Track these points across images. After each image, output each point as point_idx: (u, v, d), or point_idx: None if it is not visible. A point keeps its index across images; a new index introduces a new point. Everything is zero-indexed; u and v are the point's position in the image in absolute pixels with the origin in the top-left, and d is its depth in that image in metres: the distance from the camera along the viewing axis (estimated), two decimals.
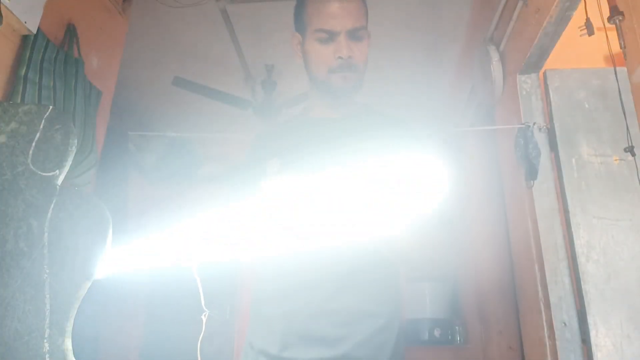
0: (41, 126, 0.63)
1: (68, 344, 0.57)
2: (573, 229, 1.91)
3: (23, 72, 1.57)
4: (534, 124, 2.05)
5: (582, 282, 1.84)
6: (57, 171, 0.61)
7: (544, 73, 2.13)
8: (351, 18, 1.05)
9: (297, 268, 0.99)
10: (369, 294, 0.98)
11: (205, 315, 1.12)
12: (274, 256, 1.03)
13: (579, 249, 1.88)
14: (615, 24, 1.43)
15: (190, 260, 1.18)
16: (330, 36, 1.07)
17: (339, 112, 1.18)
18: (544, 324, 1.91)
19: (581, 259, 1.87)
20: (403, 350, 0.99)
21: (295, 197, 0.72)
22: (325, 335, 0.94)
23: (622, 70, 1.63)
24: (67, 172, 0.63)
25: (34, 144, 0.62)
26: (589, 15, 1.71)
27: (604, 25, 1.54)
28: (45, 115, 0.63)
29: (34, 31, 1.59)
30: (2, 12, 1.42)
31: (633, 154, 1.67)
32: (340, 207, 0.79)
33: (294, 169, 1.00)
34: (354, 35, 1.07)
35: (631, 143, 1.70)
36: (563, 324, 1.85)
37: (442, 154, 0.89)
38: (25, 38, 1.61)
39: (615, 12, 1.42)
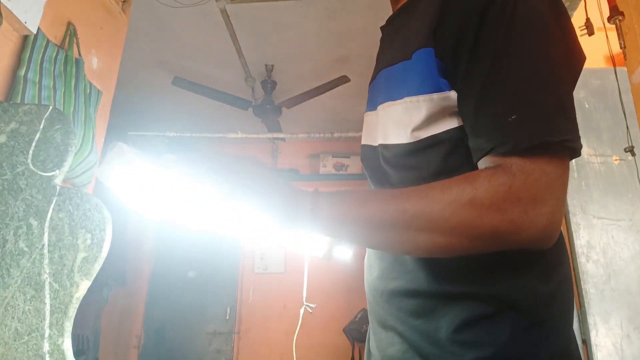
0: (41, 126, 0.63)
1: (68, 344, 0.57)
2: (573, 229, 1.91)
3: (23, 72, 1.57)
4: None
5: (582, 282, 1.84)
6: (57, 171, 0.61)
7: None
8: None
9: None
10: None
11: (302, 309, 1.11)
12: None
13: (579, 249, 1.88)
14: (615, 24, 1.43)
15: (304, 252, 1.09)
16: None
17: (400, 5, 0.82)
18: None
19: (581, 259, 1.87)
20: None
21: None
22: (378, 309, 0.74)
23: (622, 70, 1.63)
24: (67, 172, 0.63)
25: (34, 144, 0.62)
26: (589, 15, 1.71)
27: (604, 25, 1.55)
28: (45, 115, 0.63)
29: (34, 31, 1.59)
30: (2, 12, 1.42)
31: (633, 154, 1.67)
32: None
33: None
34: None
35: (631, 143, 1.70)
36: None
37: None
38: (25, 38, 1.61)
39: (615, 12, 1.42)
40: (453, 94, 0.61)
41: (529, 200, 0.51)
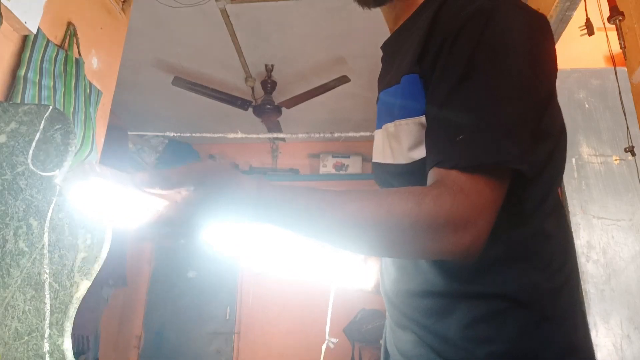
0: (41, 126, 0.63)
1: (68, 344, 0.57)
2: (573, 229, 1.91)
3: (23, 72, 1.57)
4: None
5: (582, 282, 1.84)
6: (57, 171, 0.61)
7: None
8: None
9: None
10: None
11: (325, 344, 1.06)
12: None
13: (579, 249, 1.88)
14: (615, 24, 1.43)
15: (331, 282, 1.09)
16: None
17: (398, 24, 0.85)
18: None
19: (581, 259, 1.87)
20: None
21: None
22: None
23: (622, 70, 1.63)
24: (67, 172, 0.63)
25: (34, 144, 0.62)
26: (589, 15, 1.71)
27: (604, 25, 1.55)
28: (45, 115, 0.63)
29: (34, 31, 1.59)
30: (2, 12, 1.42)
31: (633, 154, 1.67)
32: None
33: None
34: None
35: (631, 143, 1.70)
36: None
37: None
38: (25, 38, 1.61)
39: (615, 12, 1.42)
40: None
41: (462, 223, 0.55)
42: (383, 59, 0.88)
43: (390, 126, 0.72)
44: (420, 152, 0.65)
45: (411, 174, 0.68)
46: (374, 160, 0.84)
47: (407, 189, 0.60)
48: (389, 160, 0.73)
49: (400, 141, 0.69)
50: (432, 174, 0.59)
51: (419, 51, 0.67)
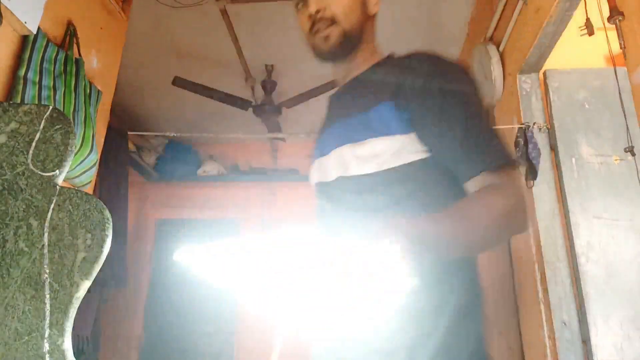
0: (41, 126, 0.63)
1: (68, 344, 0.57)
2: (573, 229, 1.91)
3: (23, 72, 1.57)
4: (534, 124, 2.05)
5: (582, 282, 1.84)
6: (57, 171, 0.61)
7: (544, 73, 2.14)
8: None
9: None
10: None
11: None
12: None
13: (579, 249, 1.88)
14: (615, 24, 1.43)
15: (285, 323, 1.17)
16: None
17: (349, 78, 1.04)
18: (544, 324, 1.91)
19: (581, 259, 1.87)
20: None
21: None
22: None
23: (622, 70, 1.63)
24: (67, 172, 0.63)
25: (34, 144, 0.62)
26: (589, 16, 1.71)
27: (604, 25, 1.55)
28: (45, 115, 0.63)
29: (34, 31, 1.59)
30: (2, 12, 1.42)
31: (633, 154, 1.67)
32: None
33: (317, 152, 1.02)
34: None
35: (631, 143, 1.70)
36: (563, 324, 1.85)
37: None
38: (25, 38, 1.61)
39: (615, 12, 1.42)
40: (413, 135, 0.83)
41: (524, 202, 0.80)
42: (332, 104, 1.07)
43: (354, 145, 0.86)
44: (390, 164, 0.83)
45: (377, 181, 0.84)
46: (318, 181, 0.98)
47: (483, 190, 0.78)
48: (353, 173, 0.87)
49: (370, 155, 0.84)
50: (481, 178, 0.79)
51: (394, 89, 0.86)
